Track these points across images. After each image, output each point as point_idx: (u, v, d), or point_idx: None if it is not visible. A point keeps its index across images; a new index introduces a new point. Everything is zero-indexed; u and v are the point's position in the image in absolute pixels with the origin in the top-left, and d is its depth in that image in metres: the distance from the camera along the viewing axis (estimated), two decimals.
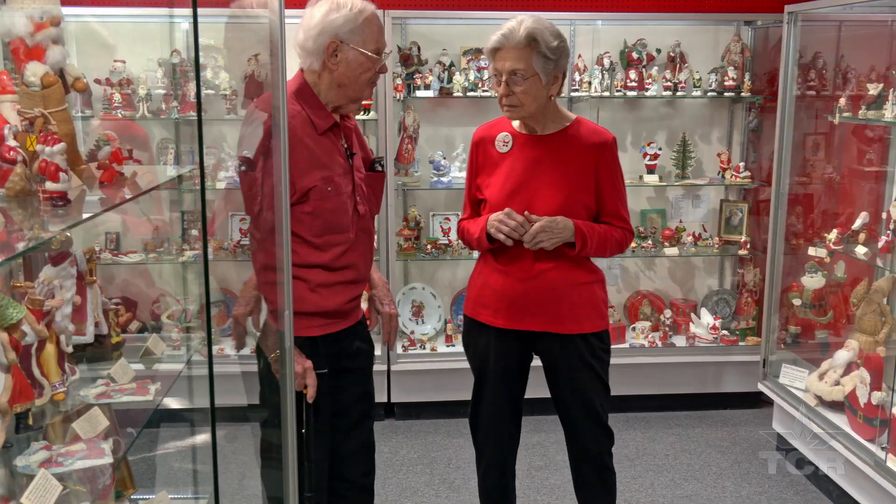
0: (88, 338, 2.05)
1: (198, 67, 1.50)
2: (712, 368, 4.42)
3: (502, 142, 2.52)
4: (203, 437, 3.26)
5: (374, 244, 2.59)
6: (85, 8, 3.99)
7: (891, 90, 3.66)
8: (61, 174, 1.59)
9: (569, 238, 2.40)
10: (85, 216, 1.72)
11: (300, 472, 2.19)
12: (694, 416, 4.43)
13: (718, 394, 4.49)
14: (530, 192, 2.45)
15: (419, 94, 4.26)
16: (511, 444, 2.70)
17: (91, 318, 2.05)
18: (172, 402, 2.81)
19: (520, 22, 2.36)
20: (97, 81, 4.03)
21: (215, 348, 4.20)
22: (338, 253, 2.25)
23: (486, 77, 4.25)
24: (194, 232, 4.24)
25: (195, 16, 1.46)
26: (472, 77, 4.27)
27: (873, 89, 3.78)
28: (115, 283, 4.29)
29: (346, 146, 2.30)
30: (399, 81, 4.21)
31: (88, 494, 1.70)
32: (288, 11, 4.17)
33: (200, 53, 4.23)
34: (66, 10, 3.76)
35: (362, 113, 4.21)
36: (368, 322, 2.53)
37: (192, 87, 4.14)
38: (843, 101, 3.90)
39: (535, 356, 2.65)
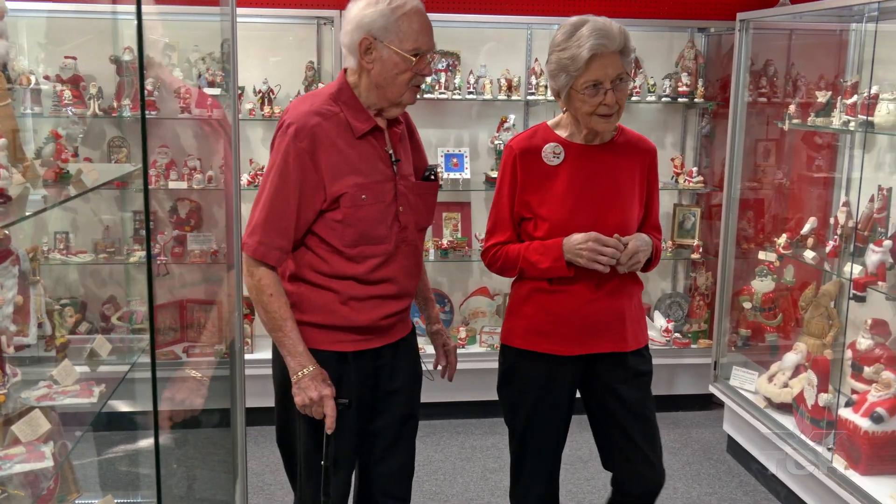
0: (31, 339, 1.97)
1: (141, 66, 1.45)
2: (665, 371, 4.44)
3: (552, 153, 2.26)
4: (149, 441, 3.21)
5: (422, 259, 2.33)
6: (34, 3, 3.90)
7: (839, 98, 3.73)
8: (1, 171, 1.54)
9: (650, 254, 2.28)
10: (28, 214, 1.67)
11: (323, 497, 2.09)
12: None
13: (671, 396, 4.52)
14: (595, 206, 2.25)
15: None
16: (556, 479, 2.47)
17: (34, 319, 1.97)
18: (121, 405, 2.75)
19: (612, 25, 2.15)
20: (46, 78, 3.93)
21: (166, 349, 4.15)
22: (374, 265, 2.08)
23: (442, 80, 4.23)
24: (143, 232, 4.17)
25: (139, 13, 1.41)
26: (428, 80, 4.26)
27: (822, 97, 3.84)
28: (65, 283, 4.20)
29: (391, 152, 2.13)
30: None
31: (29, 498, 1.65)
32: (240, 10, 4.12)
33: (152, 50, 4.18)
34: (15, 5, 3.69)
35: None
36: (435, 361, 2.41)
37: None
38: (792, 108, 3.97)
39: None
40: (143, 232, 4.16)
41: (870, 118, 3.42)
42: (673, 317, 4.63)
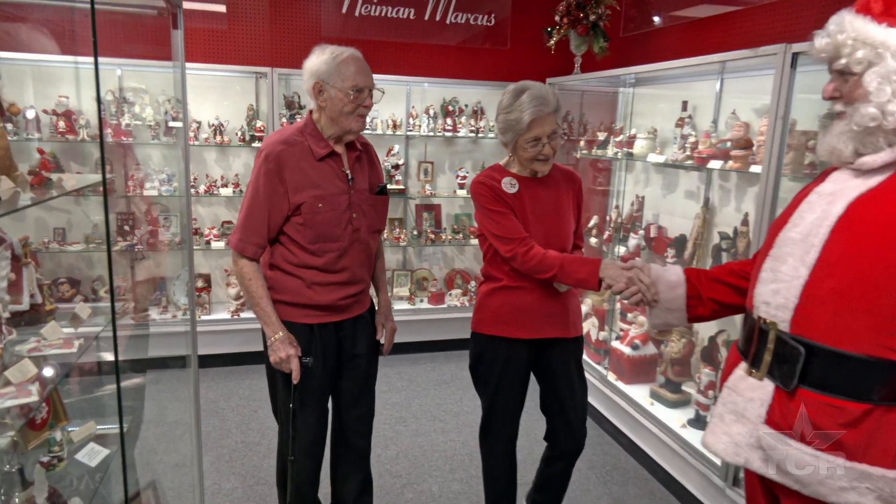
0: (24, 306, 1.79)
1: (98, 100, 1.33)
2: None
3: (510, 184, 2.07)
4: (128, 382, 3.03)
5: (374, 253, 2.15)
6: (38, 55, 3.57)
7: (611, 137, 3.88)
8: None
9: None
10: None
11: (291, 437, 2.00)
12: None
13: None
14: (545, 223, 2.09)
15: None
16: (515, 436, 2.28)
17: (27, 291, 1.79)
18: (106, 356, 2.57)
19: (546, 90, 1.99)
20: (45, 111, 3.60)
21: (143, 315, 3.90)
22: (331, 258, 1.95)
23: None
24: (126, 227, 3.91)
25: (96, 64, 1.29)
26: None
27: (601, 136, 3.99)
28: (64, 266, 3.89)
29: (347, 171, 1.98)
30: (284, 120, 4.04)
31: (21, 418, 1.51)
32: (199, 64, 3.89)
33: (130, 93, 3.90)
34: (21, 56, 3.37)
35: (258, 142, 4.02)
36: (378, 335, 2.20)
37: (123, 118, 3.79)
38: (582, 143, 4.10)
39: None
40: (126, 227, 3.91)
41: (630, 150, 3.57)
42: None
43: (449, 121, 4.39)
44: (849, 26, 1.21)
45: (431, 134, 4.38)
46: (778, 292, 1.28)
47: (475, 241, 4.54)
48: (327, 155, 1.95)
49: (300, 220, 1.91)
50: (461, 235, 4.54)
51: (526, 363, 2.18)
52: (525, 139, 1.99)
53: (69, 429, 2.04)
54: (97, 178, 2.09)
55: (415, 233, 4.49)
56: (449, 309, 4.42)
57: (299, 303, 1.97)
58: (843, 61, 1.22)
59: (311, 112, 2.00)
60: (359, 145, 2.05)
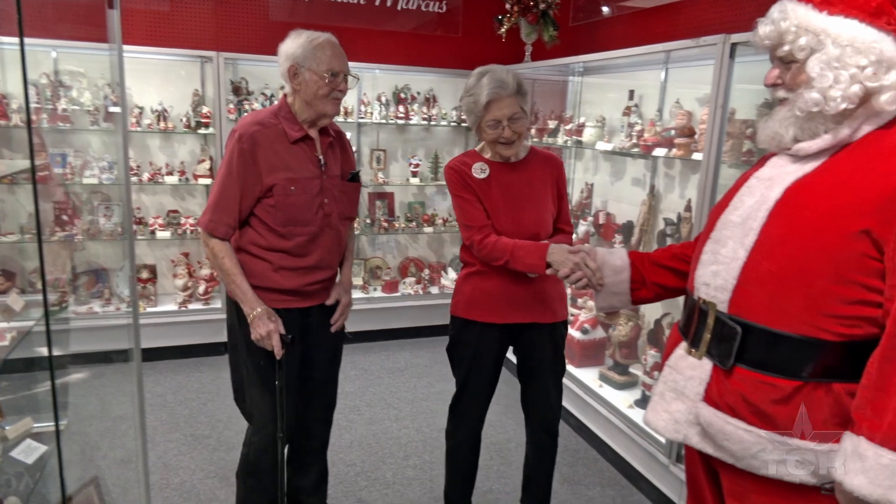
0: None
1: (25, 83, 1.26)
2: None
3: (479, 170, 2.06)
4: (68, 377, 2.93)
5: (345, 240, 2.12)
6: None
7: (561, 125, 3.92)
8: None
9: None
10: None
11: (279, 415, 1.96)
12: (444, 339, 4.49)
13: None
14: (514, 207, 2.06)
15: None
16: (483, 417, 2.30)
17: None
18: (43, 350, 2.47)
19: (506, 72, 1.97)
20: None
21: (84, 308, 3.77)
22: (300, 242, 1.93)
23: None
24: (65, 217, 3.74)
25: (22, 44, 1.22)
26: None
27: (552, 124, 4.03)
28: None
29: (320, 156, 1.96)
30: (231, 106, 3.93)
31: None
32: (141, 47, 3.75)
33: (66, 76, 3.73)
34: None
35: (204, 129, 3.90)
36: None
37: (59, 103, 3.62)
38: (534, 131, 4.13)
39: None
40: (64, 217, 3.74)
41: (579, 138, 3.62)
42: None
43: (401, 108, 4.35)
44: (792, 14, 1.23)
45: (384, 121, 4.33)
46: (718, 274, 1.31)
47: (429, 230, 4.53)
48: (301, 138, 1.93)
49: (272, 202, 1.89)
50: (415, 224, 4.53)
51: (498, 347, 2.18)
52: (485, 122, 1.99)
53: (4, 426, 1.95)
54: (18, 164, 1.99)
55: (368, 221, 4.46)
56: (403, 297, 4.41)
57: (265, 286, 1.95)
58: (786, 48, 1.24)
59: (285, 95, 1.99)
60: (332, 132, 2.04)
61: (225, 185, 1.89)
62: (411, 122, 4.39)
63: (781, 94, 1.29)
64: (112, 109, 3.66)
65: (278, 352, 1.89)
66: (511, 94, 1.96)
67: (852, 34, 1.19)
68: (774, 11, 1.27)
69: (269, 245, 1.93)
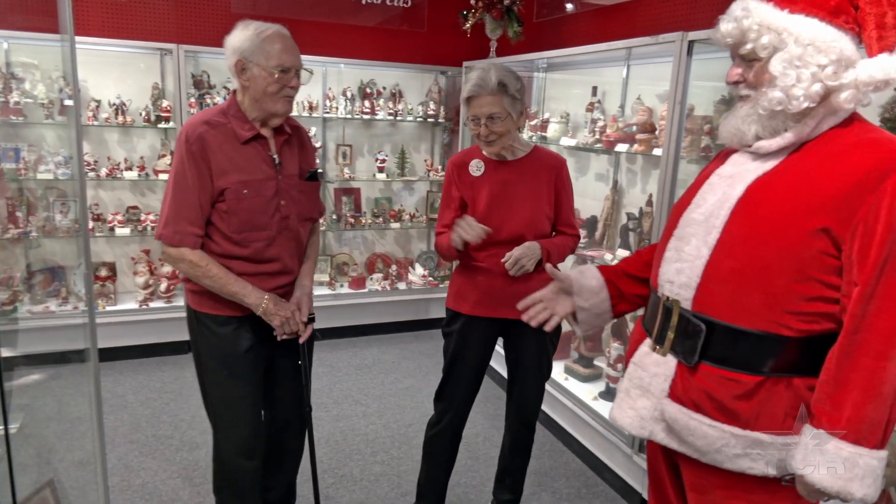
0: None
1: None
2: (423, 303, 4.54)
3: (475, 167, 2.09)
4: (22, 379, 2.83)
5: (306, 241, 2.03)
6: None
7: (526, 120, 3.94)
8: None
9: (539, 256, 2.03)
10: None
11: (302, 392, 2.00)
12: (411, 335, 4.52)
13: (427, 319, 4.60)
14: (505, 206, 2.06)
15: None
16: (468, 409, 2.31)
17: None
18: (5, 351, 2.38)
19: (487, 70, 1.96)
20: None
21: (41, 307, 3.65)
22: (258, 248, 1.82)
23: None
24: (19, 214, 3.62)
25: None
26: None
27: None
28: None
29: (274, 156, 1.84)
30: (192, 100, 3.85)
31: None
32: (98, 39, 3.65)
33: (19, 68, 3.60)
34: None
35: (165, 123, 3.81)
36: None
37: (11, 96, 3.50)
38: None
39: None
40: (18, 214, 3.62)
41: (544, 134, 3.65)
42: (427, 266, 4.73)
43: (367, 103, 4.32)
44: (754, 11, 1.23)
45: (349, 116, 4.30)
46: (681, 271, 1.32)
47: (396, 225, 4.52)
48: (252, 138, 1.81)
49: (224, 206, 1.78)
50: (381, 219, 4.50)
51: (485, 340, 2.20)
52: (468, 118, 2.03)
53: None
54: None
55: (334, 217, 4.42)
56: (370, 293, 4.39)
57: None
58: (749, 46, 1.24)
59: (234, 92, 1.86)
60: (288, 128, 1.91)
61: (180, 191, 1.76)
62: (377, 117, 4.36)
63: (743, 91, 1.29)
64: (67, 102, 3.54)
65: (306, 334, 1.86)
66: (490, 94, 1.94)
67: (813, 33, 1.19)
68: (736, 9, 1.27)
69: (226, 252, 1.82)
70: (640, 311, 1.57)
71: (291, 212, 1.88)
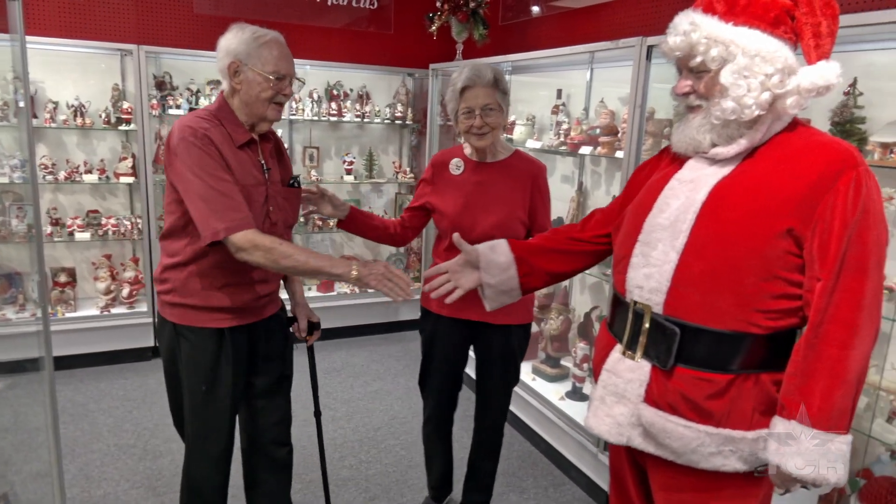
0: None
1: None
2: (392, 305, 4.52)
3: (455, 165, 2.11)
4: None
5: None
6: None
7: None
8: None
9: None
10: None
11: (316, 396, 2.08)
12: (380, 338, 4.51)
13: (396, 322, 4.60)
14: (478, 208, 2.06)
15: (171, 111, 3.85)
16: (449, 403, 2.35)
17: None
18: None
19: (487, 67, 1.98)
20: None
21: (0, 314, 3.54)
22: None
23: None
24: None
25: None
26: (212, 100, 3.93)
27: None
28: None
29: (263, 162, 1.80)
30: (155, 101, 3.77)
31: None
32: (29, 38, 3.55)
33: None
34: None
35: (126, 125, 3.73)
36: (298, 329, 2.07)
37: None
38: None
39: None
40: None
41: (510, 136, 3.67)
42: (398, 267, 4.69)
43: (334, 105, 4.30)
44: (701, 25, 1.27)
45: (316, 118, 4.26)
46: (650, 276, 1.33)
47: None
48: (246, 142, 1.76)
49: None
50: None
51: (453, 339, 2.22)
52: (461, 110, 2.01)
53: None
54: None
55: (302, 220, 4.37)
56: (339, 296, 4.36)
57: (209, 306, 1.77)
58: (698, 59, 1.28)
59: (222, 93, 1.81)
60: (270, 135, 1.89)
61: (211, 183, 1.63)
62: (345, 119, 4.34)
63: (695, 102, 1.33)
64: (21, 104, 3.44)
65: (407, 291, 1.65)
66: (486, 85, 1.96)
67: (758, 44, 1.24)
68: (683, 23, 1.30)
69: (213, 261, 1.75)
70: (595, 306, 1.59)
71: (279, 218, 1.85)
